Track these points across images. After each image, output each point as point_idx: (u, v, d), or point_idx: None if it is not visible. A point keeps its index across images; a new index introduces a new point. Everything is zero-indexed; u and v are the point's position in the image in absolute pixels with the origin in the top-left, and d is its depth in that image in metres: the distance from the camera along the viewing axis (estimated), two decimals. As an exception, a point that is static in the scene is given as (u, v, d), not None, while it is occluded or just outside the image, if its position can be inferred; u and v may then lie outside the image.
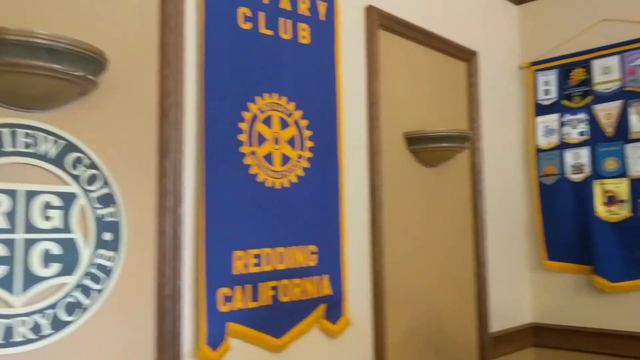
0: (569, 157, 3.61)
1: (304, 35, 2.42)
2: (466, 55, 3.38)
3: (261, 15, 2.27)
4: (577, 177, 3.57)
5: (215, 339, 2.00)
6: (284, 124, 2.31)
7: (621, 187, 3.40)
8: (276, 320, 2.21)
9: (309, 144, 2.39)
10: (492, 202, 3.46)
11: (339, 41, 2.57)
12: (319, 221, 2.40)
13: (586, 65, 3.58)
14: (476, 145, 3.36)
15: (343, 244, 2.49)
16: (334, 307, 2.43)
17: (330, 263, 2.44)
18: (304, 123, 2.38)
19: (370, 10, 2.76)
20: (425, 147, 2.91)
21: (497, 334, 3.39)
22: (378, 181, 2.69)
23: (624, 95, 3.42)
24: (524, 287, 3.75)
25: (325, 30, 2.51)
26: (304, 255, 2.33)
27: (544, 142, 3.73)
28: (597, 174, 3.49)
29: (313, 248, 2.37)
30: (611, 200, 3.43)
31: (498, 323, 3.41)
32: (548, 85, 3.74)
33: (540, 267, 3.70)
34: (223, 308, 2.04)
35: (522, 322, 3.67)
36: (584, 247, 3.50)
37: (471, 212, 3.33)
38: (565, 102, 3.65)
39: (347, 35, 2.64)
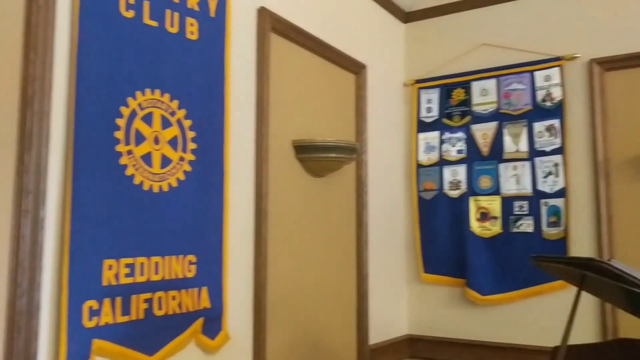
0: (447, 173, 3.74)
1: (192, 30, 2.28)
2: (356, 68, 3.40)
3: (146, 4, 2.09)
4: (454, 193, 3.70)
5: (78, 358, 1.78)
6: (166, 123, 2.15)
7: (494, 204, 3.57)
8: (149, 336, 2.03)
9: (192, 145, 2.24)
10: (375, 215, 3.49)
11: (229, 40, 2.45)
12: (199, 229, 2.25)
13: (466, 87, 3.75)
14: (362, 157, 3.37)
15: (225, 254, 2.35)
16: (212, 321, 2.28)
17: (210, 274, 2.29)
18: (187, 123, 2.23)
19: (263, 12, 2.66)
20: (314, 156, 2.86)
21: (375, 346, 3.40)
22: (264, 189, 2.59)
23: (499, 117, 3.61)
24: (402, 299, 3.81)
25: (214, 28, 2.38)
26: (181, 266, 2.17)
27: (424, 158, 3.84)
28: (473, 190, 3.64)
29: (192, 258, 2.21)
30: (484, 216, 3.60)
31: (377, 335, 3.43)
32: (430, 103, 3.86)
33: (417, 280, 3.79)
34: (88, 323, 1.83)
35: (399, 333, 3.72)
36: (458, 261, 3.64)
37: (355, 225, 3.33)
38: (446, 121, 3.79)
39: (237, 35, 2.52)
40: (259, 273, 2.54)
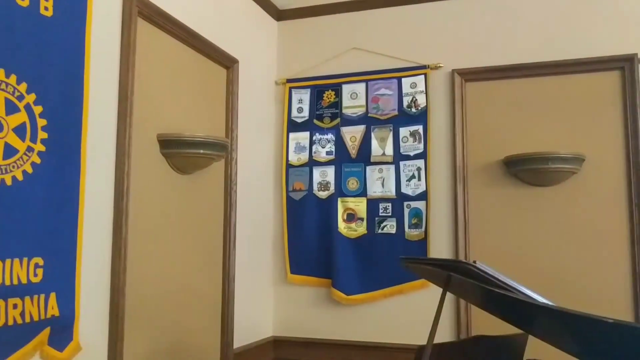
0: (317, 174, 3.75)
1: (47, 5, 2.03)
2: (227, 62, 3.28)
3: (-10, -30, 1.83)
4: (323, 194, 3.72)
5: None
6: (12, 108, 1.89)
7: (361, 206, 3.64)
8: (-18, 352, 1.77)
9: (42, 135, 2.00)
10: (243, 215, 3.39)
11: (90, 21, 2.22)
12: (49, 229, 2.01)
13: (337, 89, 3.78)
14: (232, 155, 3.26)
15: (78, 257, 2.13)
16: (61, 331, 2.05)
17: (60, 279, 2.06)
18: (37, 109, 1.98)
19: (129, -6, 2.46)
20: (181, 152, 2.70)
21: (240, 350, 3.31)
22: (125, 185, 2.39)
23: (367, 120, 3.69)
24: (268, 301, 3.75)
25: (74, 5, 2.15)
26: (26, 270, 1.92)
27: (294, 158, 3.81)
28: (341, 192, 3.68)
29: (39, 260, 1.97)
30: (351, 217, 3.65)
31: (241, 338, 3.34)
32: (302, 104, 3.85)
33: (284, 281, 3.75)
34: None
35: (263, 336, 3.66)
36: (325, 261, 3.65)
37: (222, 225, 3.21)
38: (317, 122, 3.79)
39: (100, 16, 2.30)
40: (117, 276, 2.34)
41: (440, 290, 1.98)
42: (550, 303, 1.87)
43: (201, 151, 2.75)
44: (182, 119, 2.85)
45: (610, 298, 3.14)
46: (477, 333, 2.81)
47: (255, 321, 3.59)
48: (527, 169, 3.27)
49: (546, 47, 3.38)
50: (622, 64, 3.24)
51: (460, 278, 1.85)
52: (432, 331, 1.89)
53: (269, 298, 3.77)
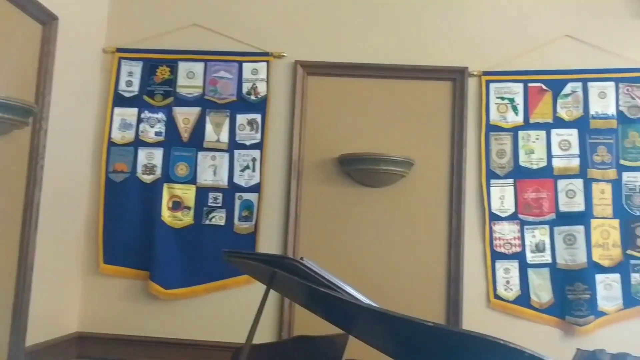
0: (142, 156, 3.43)
1: None
2: (44, 17, 2.85)
3: None
4: (147, 178, 3.41)
5: None
6: None
7: (189, 194, 3.39)
8: None
9: None
10: (50, 194, 2.95)
11: None
12: None
13: (172, 66, 3.49)
14: (41, 125, 2.83)
15: None
16: None
17: None
18: None
19: None
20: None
21: (35, 347, 2.89)
22: None
23: (203, 103, 3.45)
24: (74, 293, 3.34)
25: None
26: None
27: (118, 136, 3.45)
28: (168, 177, 3.40)
29: None
30: (177, 205, 3.39)
31: (38, 334, 2.92)
32: (132, 77, 3.50)
33: (95, 271, 3.37)
34: None
35: (66, 331, 3.25)
36: (144, 252, 3.35)
37: (23, 205, 2.77)
38: (147, 99, 3.47)
39: None
40: None
41: (264, 287, 1.84)
42: (373, 304, 1.82)
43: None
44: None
45: (427, 299, 3.26)
46: (300, 333, 2.73)
47: (57, 315, 3.17)
48: (359, 169, 3.28)
49: (388, 51, 3.42)
50: (454, 75, 3.39)
51: (286, 275, 1.72)
52: (251, 331, 1.75)
53: (76, 290, 3.36)
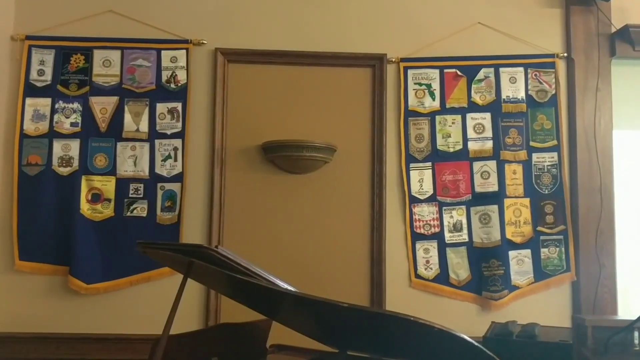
0: (58, 148, 3.31)
1: None
2: (-58, 3, 2.68)
3: None
4: (64, 171, 3.29)
5: None
6: None
7: (108, 186, 3.31)
8: None
9: None
10: (-42, 190, 2.82)
11: None
12: None
13: (87, 53, 3.38)
14: (-57, 117, 2.68)
15: None
16: None
17: None
18: None
19: None
20: None
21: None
22: None
23: (121, 92, 3.36)
24: (-11, 292, 3.21)
25: None
26: None
27: (31, 127, 3.31)
28: (86, 169, 3.30)
29: None
30: (97, 198, 3.30)
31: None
32: (44, 66, 3.36)
33: (10, 269, 3.23)
34: None
35: (-22, 334, 3.11)
36: (63, 247, 3.24)
37: None
38: (61, 88, 3.35)
39: None
40: None
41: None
42: (291, 288, 1.86)
43: None
44: None
45: (352, 282, 3.33)
46: (227, 319, 2.74)
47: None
48: (282, 156, 3.30)
49: (309, 38, 3.44)
50: (373, 62, 3.45)
51: (203, 264, 1.73)
52: (168, 322, 1.75)
53: (-9, 288, 3.22)
